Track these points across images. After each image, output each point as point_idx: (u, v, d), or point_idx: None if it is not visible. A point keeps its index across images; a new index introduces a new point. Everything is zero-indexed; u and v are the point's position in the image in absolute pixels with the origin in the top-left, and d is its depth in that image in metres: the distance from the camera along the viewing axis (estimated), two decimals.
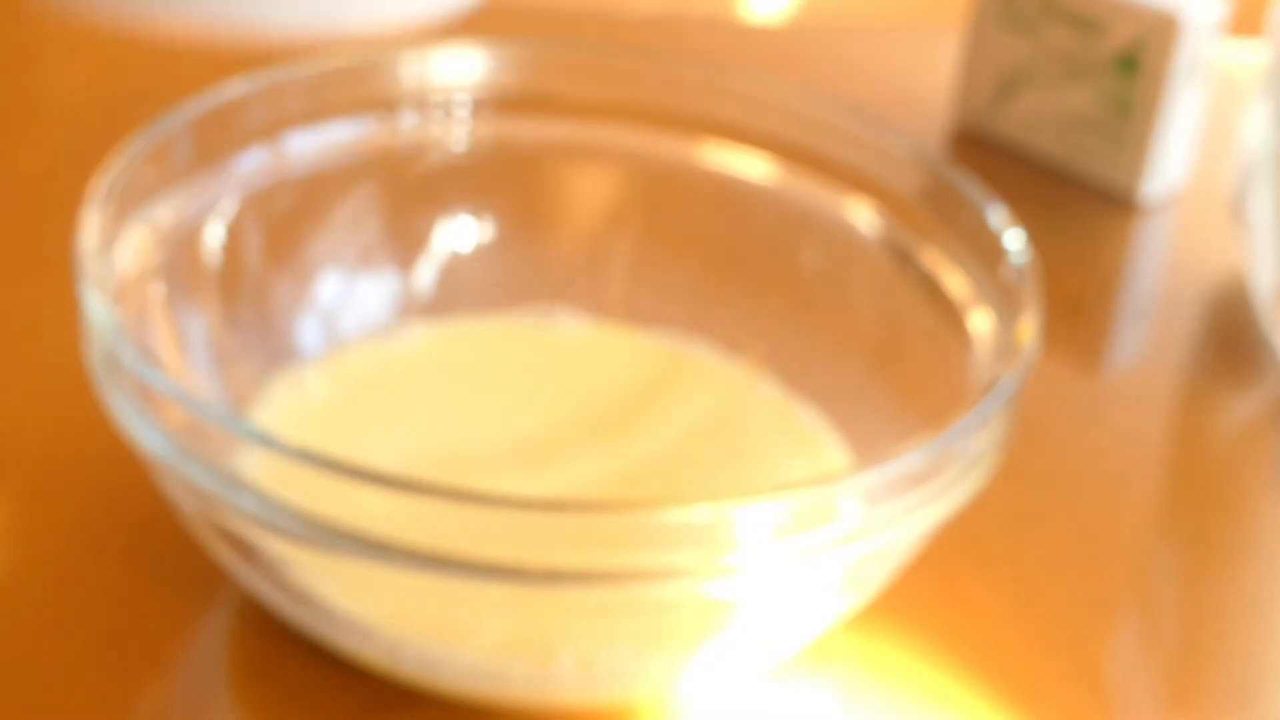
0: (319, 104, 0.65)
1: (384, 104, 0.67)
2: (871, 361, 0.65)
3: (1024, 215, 0.82)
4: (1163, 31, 0.80)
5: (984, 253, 0.62)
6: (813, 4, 1.23)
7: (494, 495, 0.50)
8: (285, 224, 0.66)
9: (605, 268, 0.69)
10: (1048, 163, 0.85)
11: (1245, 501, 0.70)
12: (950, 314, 0.63)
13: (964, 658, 0.61)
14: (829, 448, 0.64)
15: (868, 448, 0.63)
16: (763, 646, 0.58)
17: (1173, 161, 0.84)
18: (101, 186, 0.58)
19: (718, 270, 0.68)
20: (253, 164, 0.64)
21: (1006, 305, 0.60)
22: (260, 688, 0.59)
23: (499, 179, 0.69)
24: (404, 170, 0.68)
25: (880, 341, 0.65)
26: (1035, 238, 0.80)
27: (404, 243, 0.68)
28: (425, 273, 0.68)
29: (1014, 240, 0.61)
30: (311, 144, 0.66)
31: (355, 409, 0.64)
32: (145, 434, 0.53)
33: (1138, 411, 0.74)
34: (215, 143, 0.63)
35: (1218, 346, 0.77)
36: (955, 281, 0.63)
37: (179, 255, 0.62)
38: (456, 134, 0.68)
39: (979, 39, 0.85)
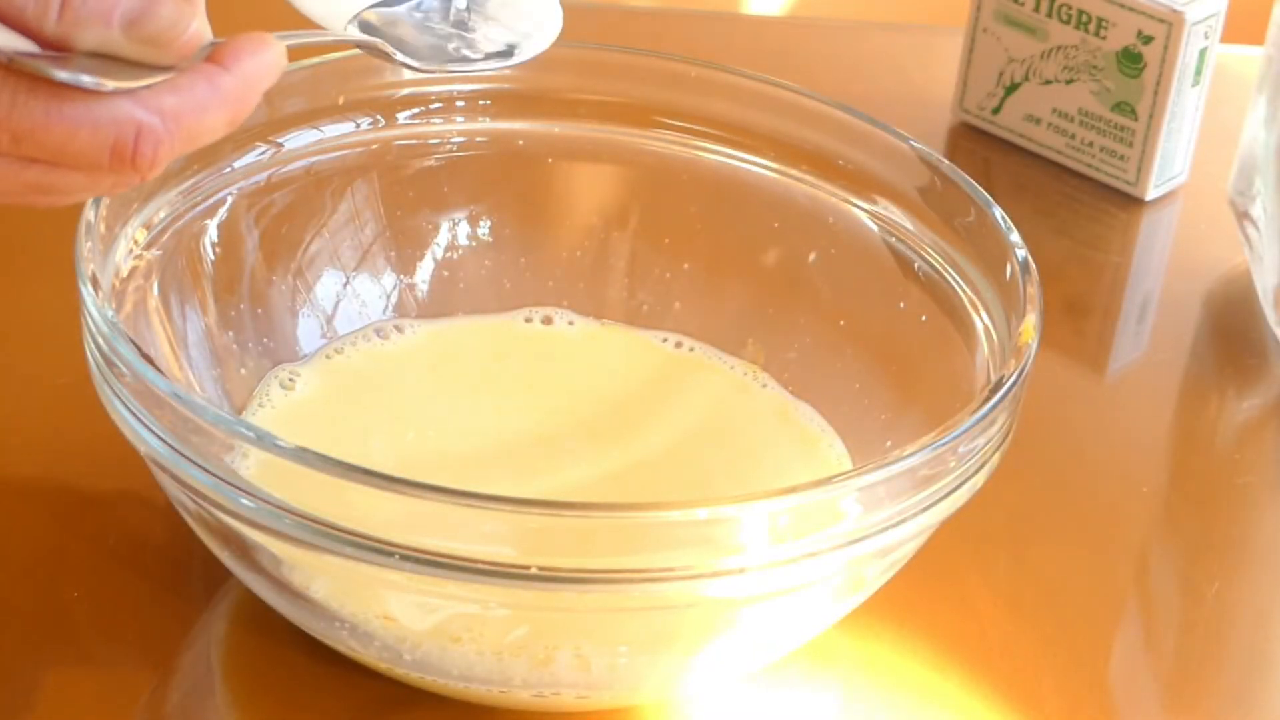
0: (316, 103, 0.65)
1: (382, 103, 0.67)
2: (872, 361, 0.65)
3: (1026, 213, 0.82)
4: (1167, 28, 0.80)
5: (986, 252, 0.62)
6: None
7: (494, 495, 0.50)
8: (283, 223, 0.65)
9: (605, 268, 0.69)
10: (1050, 159, 0.85)
11: (1248, 501, 0.70)
12: (951, 313, 0.63)
13: (964, 658, 0.61)
14: (829, 448, 0.64)
15: (868, 448, 0.63)
16: (763, 647, 0.57)
17: (1175, 159, 0.84)
18: None
19: (718, 270, 0.68)
20: (250, 163, 0.64)
21: (1008, 304, 0.60)
22: (259, 687, 0.59)
23: (498, 179, 0.68)
24: (402, 169, 0.67)
25: (881, 341, 0.65)
26: (1037, 235, 0.80)
27: (402, 242, 0.68)
28: (423, 272, 0.68)
29: (1016, 239, 0.61)
30: (309, 143, 0.65)
31: (353, 409, 0.64)
32: (143, 433, 0.53)
33: (1139, 411, 0.73)
34: (213, 142, 0.63)
35: (1220, 345, 0.77)
36: (957, 281, 0.63)
37: (176, 255, 0.62)
38: (455, 133, 0.68)
39: (981, 35, 0.85)
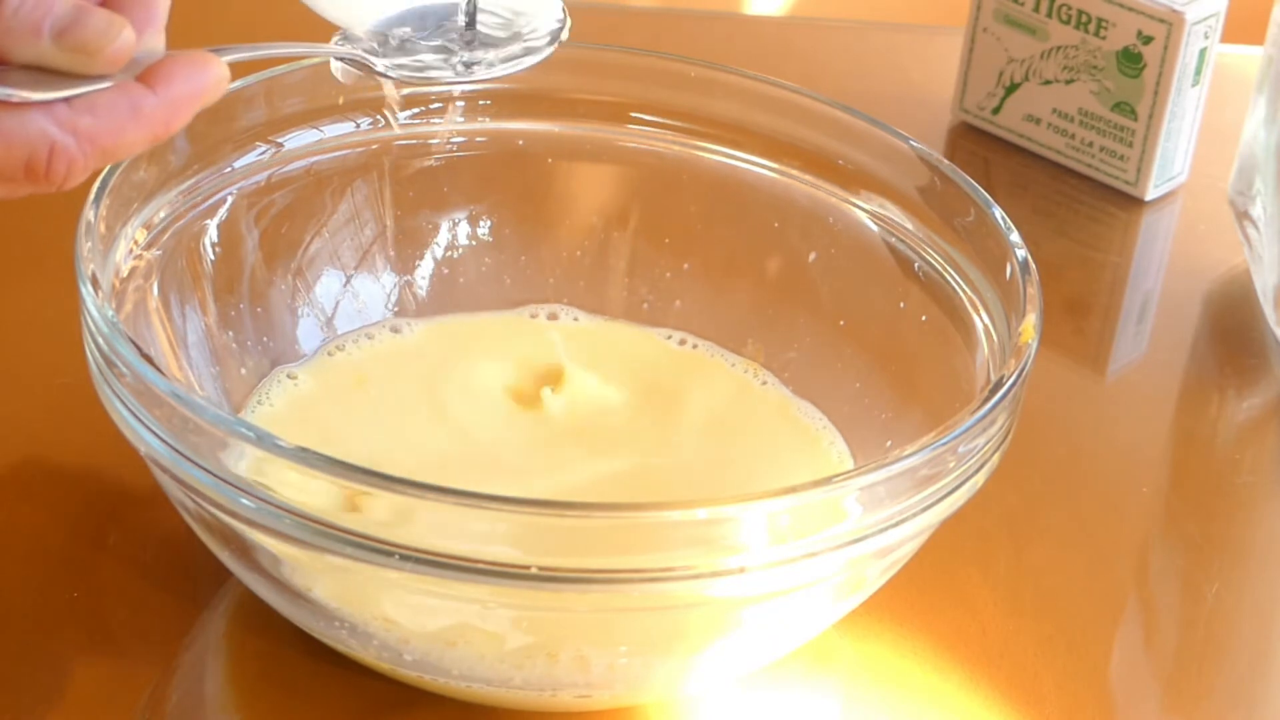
0: (316, 103, 0.65)
1: (382, 103, 0.67)
2: (873, 361, 0.65)
3: (1026, 213, 0.83)
4: (1167, 28, 0.80)
5: (986, 252, 0.62)
6: None
7: (494, 495, 0.50)
8: (283, 223, 0.65)
9: (605, 267, 0.69)
10: (1050, 159, 0.85)
11: (1248, 501, 0.70)
12: (951, 313, 0.63)
13: (964, 658, 0.61)
14: (830, 446, 0.64)
15: (868, 447, 0.63)
16: (763, 647, 0.57)
17: (1175, 159, 0.84)
18: (99, 186, 0.58)
19: (718, 270, 0.68)
20: (250, 163, 0.64)
21: (1008, 304, 0.60)
22: (260, 687, 0.59)
23: (498, 178, 0.69)
24: (402, 169, 0.67)
25: (881, 341, 0.65)
26: (1037, 235, 0.81)
27: (402, 242, 0.68)
28: (423, 272, 0.68)
29: (1016, 239, 0.61)
30: (309, 143, 0.65)
31: (353, 408, 0.64)
32: (143, 433, 0.53)
33: (1139, 411, 0.73)
34: (213, 142, 0.63)
35: (1220, 345, 0.77)
36: (957, 281, 0.63)
37: (176, 255, 0.62)
38: (455, 133, 0.68)
39: (981, 35, 0.85)
